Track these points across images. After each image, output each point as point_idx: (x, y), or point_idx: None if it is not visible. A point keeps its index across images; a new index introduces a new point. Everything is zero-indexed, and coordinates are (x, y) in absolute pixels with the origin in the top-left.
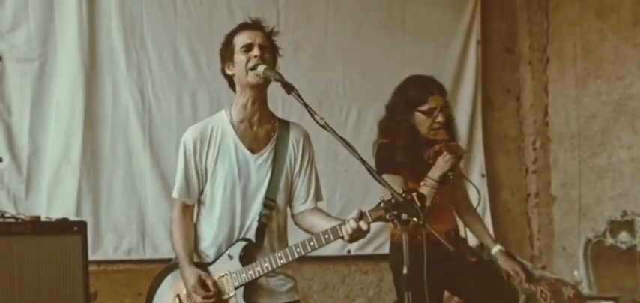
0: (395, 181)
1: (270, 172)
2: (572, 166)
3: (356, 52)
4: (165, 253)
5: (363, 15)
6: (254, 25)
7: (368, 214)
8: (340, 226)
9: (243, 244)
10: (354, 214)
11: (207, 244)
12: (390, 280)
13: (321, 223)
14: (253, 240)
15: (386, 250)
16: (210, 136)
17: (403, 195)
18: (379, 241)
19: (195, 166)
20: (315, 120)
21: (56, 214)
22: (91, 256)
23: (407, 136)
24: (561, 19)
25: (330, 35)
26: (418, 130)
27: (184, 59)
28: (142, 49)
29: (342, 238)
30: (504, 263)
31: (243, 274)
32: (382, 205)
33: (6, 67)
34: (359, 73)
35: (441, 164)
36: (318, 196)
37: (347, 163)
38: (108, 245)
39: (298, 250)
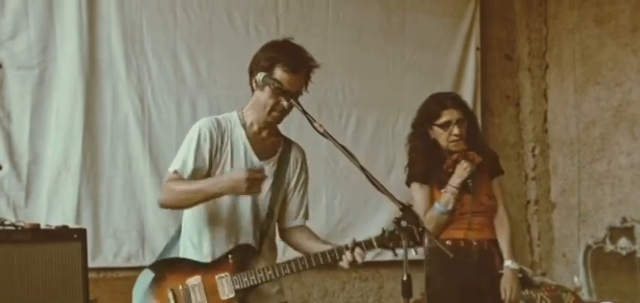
0: (422, 190)
1: (271, 181)
2: (571, 173)
3: (355, 60)
4: None
5: (363, 22)
6: (305, 67)
7: (374, 241)
8: (342, 248)
9: (244, 247)
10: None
11: (207, 243)
12: (389, 288)
13: (309, 243)
14: (254, 246)
15: (385, 257)
16: (225, 132)
17: (402, 206)
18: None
19: (210, 151)
20: (315, 127)
21: (56, 221)
22: (91, 263)
23: (428, 149)
24: (560, 25)
25: (329, 42)
26: (439, 143)
27: (184, 66)
28: (141, 56)
29: (341, 260)
30: (505, 280)
31: (245, 279)
32: (386, 235)
33: (6, 75)
34: (358, 81)
35: (460, 172)
36: (307, 215)
37: (347, 170)
38: (107, 252)
39: (303, 263)
